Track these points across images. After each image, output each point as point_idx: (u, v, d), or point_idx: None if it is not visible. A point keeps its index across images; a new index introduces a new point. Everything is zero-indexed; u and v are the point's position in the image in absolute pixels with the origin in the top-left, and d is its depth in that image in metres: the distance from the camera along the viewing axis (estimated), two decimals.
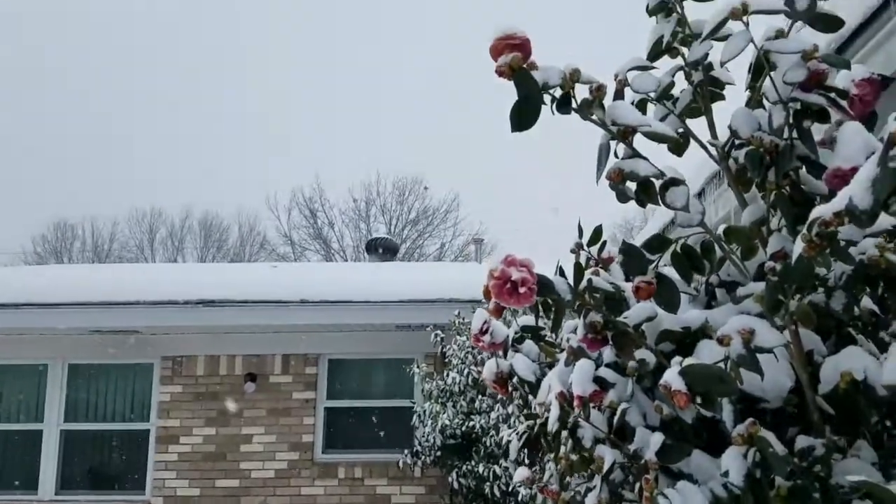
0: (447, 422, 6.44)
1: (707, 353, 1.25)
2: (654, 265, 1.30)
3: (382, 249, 12.88)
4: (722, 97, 1.39)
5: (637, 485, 1.33)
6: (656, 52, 1.35)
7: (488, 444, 6.17)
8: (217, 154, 38.08)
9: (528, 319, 1.87)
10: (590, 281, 1.37)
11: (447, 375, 6.64)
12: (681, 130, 1.37)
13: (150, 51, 39.36)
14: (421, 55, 40.72)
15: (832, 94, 1.21)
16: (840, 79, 1.29)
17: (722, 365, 1.18)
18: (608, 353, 1.46)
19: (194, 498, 7.86)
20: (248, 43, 40.24)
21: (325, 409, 8.07)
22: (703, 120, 1.42)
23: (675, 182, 1.22)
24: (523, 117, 1.14)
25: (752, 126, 1.22)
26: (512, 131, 1.16)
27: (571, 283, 1.39)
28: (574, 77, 1.16)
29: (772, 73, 1.22)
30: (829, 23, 1.21)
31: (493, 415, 6.02)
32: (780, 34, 1.23)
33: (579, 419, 1.44)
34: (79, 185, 35.50)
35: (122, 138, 36.96)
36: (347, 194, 29.01)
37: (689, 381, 1.12)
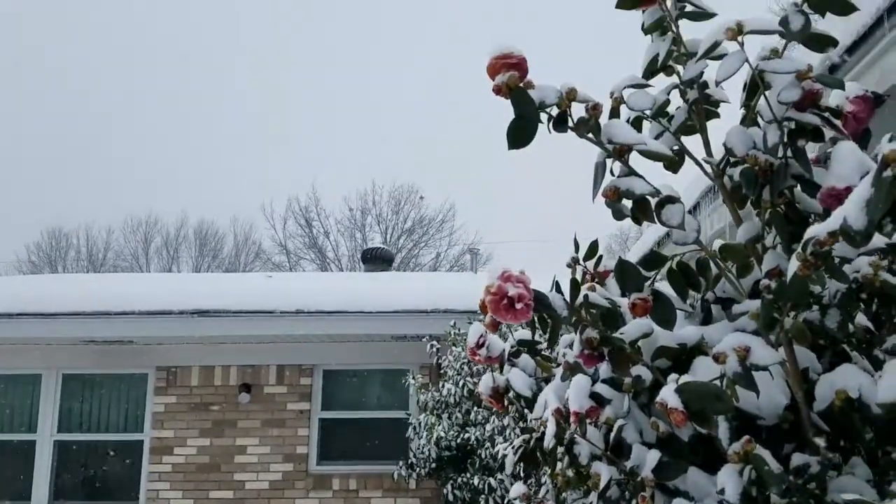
0: (442, 433, 6.43)
1: (703, 370, 1.25)
2: (650, 282, 1.31)
3: (378, 259, 12.88)
4: (717, 115, 1.40)
5: (633, 502, 1.33)
6: (652, 69, 1.36)
7: (483, 456, 6.16)
8: (212, 163, 38.08)
9: (525, 334, 1.87)
10: (586, 297, 1.38)
11: (442, 387, 6.62)
12: (676, 148, 1.37)
13: (148, 55, 39.42)
14: (417, 62, 40.86)
15: (826, 114, 1.22)
16: (834, 96, 1.30)
17: (718, 382, 1.18)
18: (604, 369, 1.46)
19: None
20: (245, 48, 40.33)
21: (320, 420, 8.04)
22: (698, 137, 1.43)
23: (671, 200, 1.22)
24: (520, 135, 1.15)
25: (747, 144, 1.23)
26: (509, 149, 1.17)
27: (568, 299, 1.40)
28: (570, 96, 1.17)
29: (766, 93, 1.23)
30: (823, 43, 1.22)
31: (488, 427, 6.00)
32: (774, 53, 1.24)
33: (576, 435, 1.44)
34: (73, 194, 35.45)
35: (117, 146, 36.95)
36: (343, 203, 29.05)
37: (685, 398, 1.12)
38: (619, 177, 1.25)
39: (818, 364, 1.31)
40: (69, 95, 38.00)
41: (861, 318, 1.36)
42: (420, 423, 6.77)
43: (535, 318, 1.54)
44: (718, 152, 1.40)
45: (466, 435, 6.33)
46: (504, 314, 1.33)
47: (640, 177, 1.23)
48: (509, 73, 1.13)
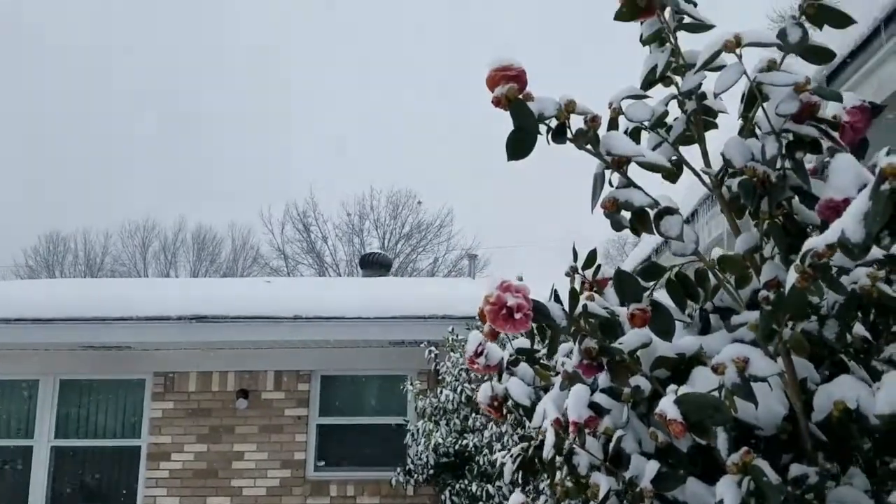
0: (440, 440, 6.42)
1: (702, 380, 1.25)
2: (648, 292, 1.31)
3: (376, 265, 12.89)
4: (715, 125, 1.41)
5: None
6: (650, 81, 1.36)
7: (482, 462, 6.15)
8: (210, 167, 38.08)
9: (524, 342, 1.87)
10: (585, 307, 1.38)
11: (440, 393, 6.62)
12: (674, 158, 1.38)
13: (147, 58, 39.45)
14: (416, 67, 40.92)
15: (824, 126, 1.22)
16: (831, 107, 1.30)
17: (716, 393, 1.18)
18: (603, 379, 1.46)
19: None
20: (244, 52, 40.37)
21: (318, 426, 8.03)
22: (696, 146, 1.43)
23: (670, 211, 1.23)
24: (519, 147, 1.16)
25: (745, 156, 1.23)
26: (508, 160, 1.18)
27: (566, 309, 1.40)
28: (569, 108, 1.17)
29: (764, 104, 1.23)
30: (821, 55, 1.23)
31: (486, 433, 6.00)
32: (772, 65, 1.24)
33: (574, 445, 1.44)
34: (71, 198, 35.42)
35: (115, 150, 36.95)
36: (341, 208, 29.06)
37: (684, 410, 1.12)
38: (617, 188, 1.26)
39: (816, 374, 1.31)
40: (68, 97, 38.02)
41: (858, 329, 1.37)
42: (418, 430, 6.76)
43: (534, 328, 1.54)
44: (716, 161, 1.40)
45: (464, 441, 6.32)
46: (503, 324, 1.33)
47: (639, 188, 1.24)
48: (508, 85, 1.13)
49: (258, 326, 7.67)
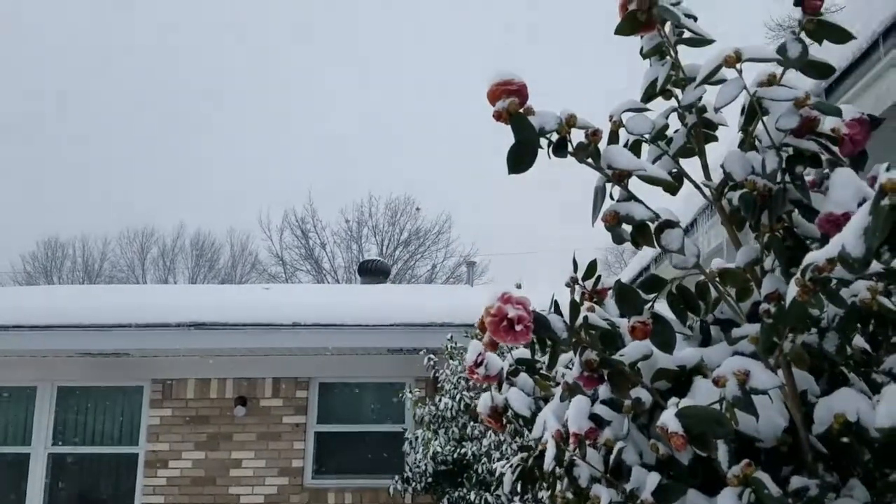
0: (439, 448, 6.41)
1: (702, 392, 1.26)
2: (649, 305, 1.32)
3: (374, 272, 12.89)
4: (715, 138, 1.41)
5: None
6: (650, 94, 1.37)
7: (480, 471, 6.14)
8: (209, 173, 38.09)
9: (523, 352, 1.87)
10: (585, 318, 1.38)
11: (439, 401, 6.61)
12: (675, 171, 1.39)
13: (145, 63, 39.52)
14: (415, 73, 41.02)
15: (824, 140, 1.23)
16: (830, 119, 1.31)
17: (717, 405, 1.19)
18: (603, 390, 1.47)
19: None
20: (243, 57, 40.46)
21: (316, 434, 8.02)
22: (696, 159, 1.44)
23: (670, 224, 1.23)
24: (520, 160, 1.16)
25: (745, 169, 1.24)
26: (509, 174, 1.18)
27: (567, 320, 1.40)
28: (570, 122, 1.18)
29: (764, 119, 1.24)
30: (820, 70, 1.23)
31: (485, 442, 5.99)
32: (772, 79, 1.25)
33: (575, 457, 1.44)
34: (69, 203, 35.42)
35: (114, 155, 36.98)
36: (339, 215, 29.07)
37: (686, 423, 1.13)
38: (618, 201, 1.26)
39: (816, 387, 1.32)
40: (67, 100, 38.06)
41: (858, 341, 1.37)
42: (416, 438, 6.75)
43: (535, 339, 1.55)
44: (716, 174, 1.41)
45: (463, 450, 6.31)
46: (504, 336, 1.34)
47: (640, 201, 1.25)
48: (509, 100, 1.14)
49: (256, 333, 7.66)
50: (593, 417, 1.44)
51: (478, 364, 1.77)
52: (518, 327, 1.32)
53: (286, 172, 37.26)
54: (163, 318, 7.72)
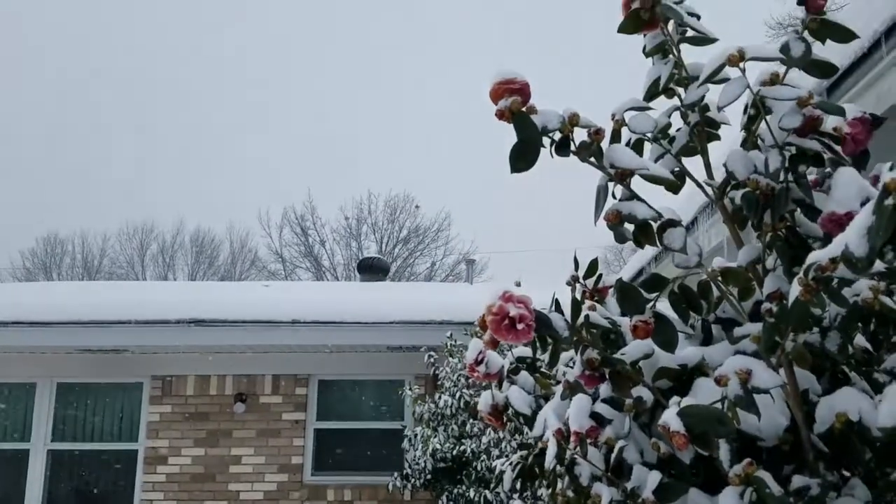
0: (438, 445, 6.41)
1: (704, 391, 1.26)
2: (651, 304, 1.31)
3: (374, 269, 12.89)
4: (717, 137, 1.41)
5: None
6: (653, 92, 1.37)
7: (479, 468, 6.14)
8: (209, 170, 38.08)
9: (524, 350, 1.87)
10: (587, 317, 1.38)
11: (439, 398, 6.61)
12: (677, 169, 1.39)
13: (145, 60, 39.45)
14: (415, 72, 40.99)
15: (826, 139, 1.23)
16: (832, 119, 1.31)
17: (719, 404, 1.19)
18: (605, 389, 1.47)
19: None
20: (244, 55, 40.40)
21: (315, 431, 8.02)
22: (698, 157, 1.44)
23: (673, 223, 1.23)
24: (522, 159, 1.16)
25: (748, 168, 1.24)
26: (511, 172, 1.18)
27: (568, 319, 1.40)
28: (573, 121, 1.18)
29: (767, 118, 1.24)
30: (823, 69, 1.23)
31: (484, 439, 6.00)
32: (774, 78, 1.25)
33: (576, 456, 1.44)
34: (69, 200, 35.39)
35: (114, 152, 36.94)
36: (339, 212, 29.06)
37: (687, 422, 1.13)
38: (621, 200, 1.26)
39: (818, 386, 1.32)
40: (66, 99, 38.01)
41: (859, 340, 1.37)
42: (416, 435, 6.75)
43: (536, 337, 1.54)
44: (718, 173, 1.41)
45: (462, 447, 6.32)
46: (505, 334, 1.34)
47: (643, 201, 1.24)
48: (512, 98, 1.14)
49: (256, 330, 7.66)
50: (594, 416, 1.44)
51: (478, 362, 1.77)
52: (520, 326, 1.32)
53: (286, 169, 37.25)
54: (162, 314, 7.72)
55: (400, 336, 7.66)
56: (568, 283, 1.72)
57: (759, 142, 1.31)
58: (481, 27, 41.23)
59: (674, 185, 1.32)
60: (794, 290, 1.08)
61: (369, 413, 8.17)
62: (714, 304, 1.42)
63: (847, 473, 1.31)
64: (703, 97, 1.30)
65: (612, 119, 1.34)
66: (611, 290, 1.62)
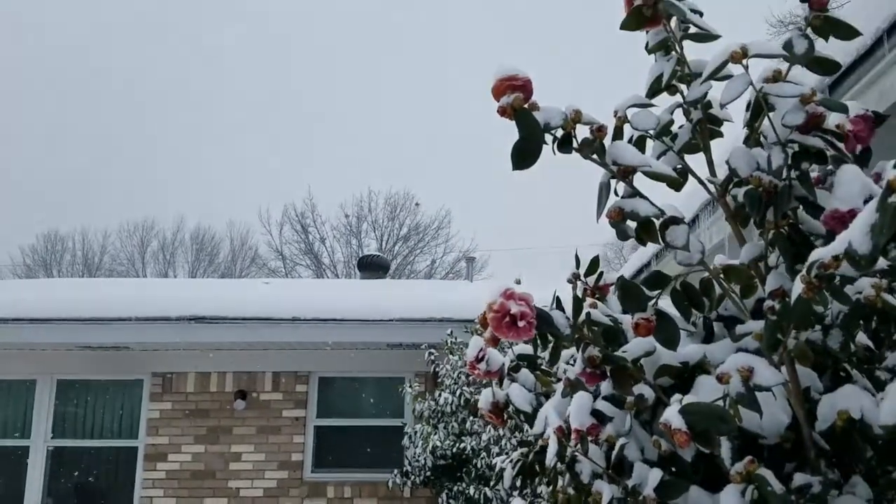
0: (438, 442, 6.41)
1: (705, 389, 1.25)
2: (653, 301, 1.31)
3: (374, 266, 12.90)
4: (720, 134, 1.41)
5: None
6: (655, 89, 1.36)
7: (479, 465, 6.15)
8: (209, 167, 38.06)
9: (525, 348, 1.87)
10: (588, 315, 1.38)
11: (439, 396, 6.61)
12: (679, 167, 1.38)
13: (147, 59, 39.42)
14: (415, 69, 40.93)
15: (829, 137, 1.23)
16: (834, 116, 1.31)
17: (721, 402, 1.19)
18: (606, 386, 1.47)
19: None
20: (244, 52, 40.37)
21: (315, 428, 8.03)
22: (700, 154, 1.44)
23: (675, 221, 1.23)
24: (524, 156, 1.16)
25: (751, 165, 1.23)
26: (513, 169, 1.18)
27: (569, 317, 1.40)
28: (575, 118, 1.17)
29: (770, 115, 1.24)
30: (826, 66, 1.23)
31: (484, 436, 6.00)
32: (777, 75, 1.25)
33: (577, 453, 1.44)
34: (69, 197, 35.38)
35: (115, 149, 36.92)
36: (339, 210, 29.05)
37: (689, 420, 1.13)
38: (623, 198, 1.26)
39: (819, 384, 1.32)
40: (67, 97, 37.99)
41: (861, 338, 1.37)
42: (416, 432, 6.76)
43: (536, 335, 1.54)
44: (720, 168, 1.40)
45: (462, 444, 6.32)
46: (506, 332, 1.33)
47: (645, 198, 1.24)
48: (514, 95, 1.13)
49: (256, 327, 7.66)
50: (595, 413, 1.44)
51: (479, 359, 1.77)
52: (521, 323, 1.32)
53: (286, 167, 37.23)
54: (163, 311, 7.72)
55: (400, 333, 7.66)
56: (569, 281, 1.72)
57: (762, 139, 1.30)
58: (481, 26, 41.18)
59: (676, 183, 1.32)
60: (797, 287, 1.08)
61: (369, 410, 8.17)
62: (716, 301, 1.42)
63: (848, 471, 1.31)
64: (705, 94, 1.30)
65: (615, 116, 1.34)
66: (612, 288, 1.62)
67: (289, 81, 40.29)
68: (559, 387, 1.63)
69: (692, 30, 1.34)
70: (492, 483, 6.01)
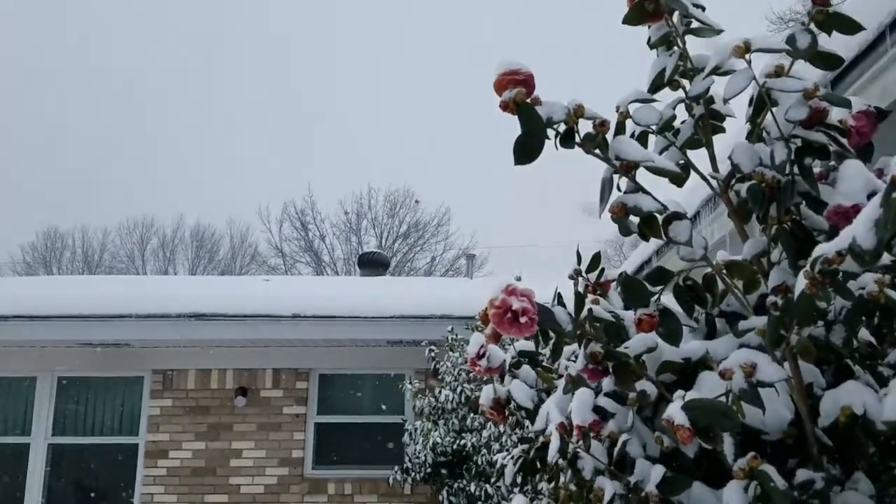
0: (438, 439, 6.42)
1: (708, 385, 1.25)
2: (655, 297, 1.31)
3: (374, 264, 12.89)
4: (722, 129, 1.40)
5: None
6: (657, 84, 1.36)
7: (480, 462, 6.15)
8: (209, 165, 38.04)
9: (526, 344, 1.87)
10: (590, 311, 1.38)
11: (439, 392, 6.61)
12: (682, 162, 1.38)
13: (146, 56, 39.37)
14: (415, 66, 40.89)
15: (832, 132, 1.22)
16: (837, 111, 1.30)
17: (723, 398, 1.18)
18: (607, 382, 1.46)
19: None
20: (244, 50, 40.33)
21: (316, 425, 8.03)
22: (702, 150, 1.43)
23: (678, 216, 1.22)
24: (526, 151, 1.15)
25: (753, 161, 1.23)
26: (515, 164, 1.17)
27: (571, 313, 1.40)
28: (578, 113, 1.17)
29: (773, 109, 1.23)
30: (829, 61, 1.22)
31: (484, 433, 6.00)
32: (780, 70, 1.24)
33: (579, 450, 1.44)
34: (69, 194, 35.36)
35: (115, 147, 36.90)
36: (339, 207, 29.05)
37: (692, 416, 1.12)
38: (626, 193, 1.25)
39: (822, 380, 1.31)
40: (67, 97, 37.95)
41: (863, 333, 1.37)
42: (416, 429, 6.76)
43: (538, 331, 1.54)
44: (722, 164, 1.40)
45: (462, 441, 6.32)
46: (508, 328, 1.33)
47: (648, 193, 1.24)
48: (516, 90, 1.13)
49: (257, 325, 7.66)
50: (597, 410, 1.43)
51: (480, 356, 1.76)
52: (523, 319, 1.32)
53: (286, 166, 37.21)
54: (163, 308, 7.72)
55: (400, 330, 7.67)
56: (571, 277, 1.72)
57: (765, 134, 1.30)
58: (481, 26, 41.13)
59: (679, 178, 1.31)
60: (800, 283, 1.07)
61: (369, 407, 8.18)
62: (719, 297, 1.41)
63: (850, 467, 1.31)
64: (708, 89, 1.29)
65: (617, 111, 1.34)
66: (613, 284, 1.62)
67: (289, 81, 40.26)
68: (560, 383, 1.62)
69: (694, 24, 1.33)
70: (492, 480, 6.01)
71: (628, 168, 1.21)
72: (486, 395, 1.84)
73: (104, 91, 38.67)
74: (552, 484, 1.67)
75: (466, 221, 35.40)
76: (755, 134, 1.30)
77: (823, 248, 1.02)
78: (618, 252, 25.09)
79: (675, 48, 1.34)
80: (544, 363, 1.88)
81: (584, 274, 1.71)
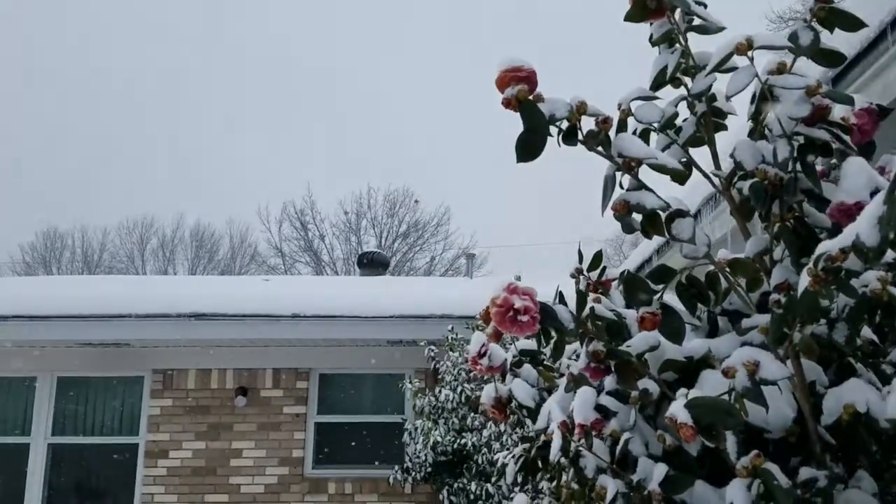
0: (439, 438, 6.42)
1: (710, 383, 1.25)
2: (658, 295, 1.31)
3: (374, 263, 12.89)
4: (724, 127, 1.40)
5: None
6: (659, 82, 1.36)
7: (480, 461, 6.15)
8: (209, 164, 38.03)
9: (527, 343, 1.87)
10: (592, 309, 1.37)
11: (439, 392, 6.61)
12: (684, 160, 1.37)
13: (147, 57, 39.36)
14: (414, 66, 40.88)
15: (835, 129, 1.22)
16: (838, 108, 1.30)
17: (726, 396, 1.18)
18: (609, 381, 1.46)
19: None
20: (245, 51, 40.32)
21: (316, 424, 8.03)
22: (704, 147, 1.43)
23: (681, 214, 1.22)
24: (528, 149, 1.15)
25: (756, 158, 1.23)
26: (517, 162, 1.17)
27: (573, 311, 1.39)
28: (581, 110, 1.16)
29: (775, 107, 1.23)
30: (831, 58, 1.22)
31: (485, 432, 6.00)
32: (782, 68, 1.24)
33: (581, 448, 1.43)
34: (69, 194, 35.35)
35: (114, 147, 36.88)
36: (338, 207, 29.05)
37: (695, 414, 1.12)
38: (628, 190, 1.25)
39: (825, 377, 1.31)
40: (66, 96, 37.94)
41: (866, 331, 1.36)
42: (416, 428, 6.76)
43: (539, 330, 1.54)
44: (724, 161, 1.40)
45: (463, 440, 6.32)
46: (510, 327, 1.33)
47: (651, 190, 1.23)
48: (519, 87, 1.13)
49: (257, 324, 7.66)
50: (599, 408, 1.43)
51: (481, 355, 1.76)
52: (524, 318, 1.32)
53: (285, 164, 37.21)
54: (163, 308, 7.72)
55: (400, 330, 7.66)
56: (572, 276, 1.71)
57: (767, 131, 1.29)
58: (481, 26, 41.12)
59: (681, 175, 1.31)
60: (803, 280, 1.07)
61: (370, 407, 8.18)
62: (721, 295, 1.41)
63: (853, 465, 1.31)
64: (710, 86, 1.29)
65: (619, 109, 1.33)
66: (615, 283, 1.61)
67: (289, 81, 40.25)
68: (562, 382, 1.62)
69: (696, 22, 1.33)
70: (493, 479, 6.01)
71: (631, 165, 1.21)
72: (487, 393, 1.83)
73: (104, 91, 38.68)
74: (554, 483, 1.67)
75: (466, 221, 35.44)
76: (757, 131, 1.30)
77: (826, 246, 1.02)
78: (617, 251, 25.09)
79: (677, 45, 1.33)
80: (546, 362, 1.88)
81: (585, 272, 1.70)
